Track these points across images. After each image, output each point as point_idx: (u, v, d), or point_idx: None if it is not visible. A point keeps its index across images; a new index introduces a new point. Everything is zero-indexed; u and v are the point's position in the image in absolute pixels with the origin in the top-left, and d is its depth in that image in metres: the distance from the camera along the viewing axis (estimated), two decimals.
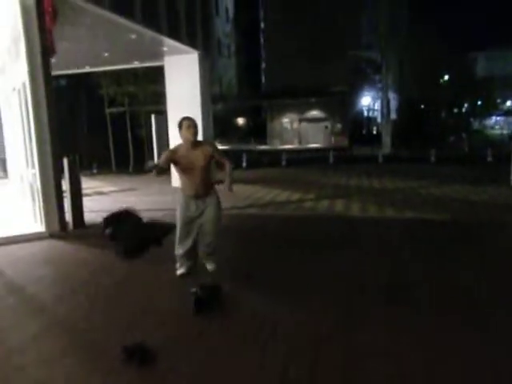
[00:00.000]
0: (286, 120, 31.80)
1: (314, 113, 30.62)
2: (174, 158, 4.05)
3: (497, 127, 30.10)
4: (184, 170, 4.10)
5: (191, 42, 10.52)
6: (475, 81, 30.25)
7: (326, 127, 27.72)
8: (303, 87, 27.56)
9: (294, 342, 2.96)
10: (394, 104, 24.01)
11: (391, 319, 3.24)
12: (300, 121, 30.83)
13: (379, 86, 23.13)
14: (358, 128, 24.44)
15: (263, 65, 37.43)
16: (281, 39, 31.33)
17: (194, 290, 3.60)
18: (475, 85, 28.23)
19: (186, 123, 4.03)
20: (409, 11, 31.17)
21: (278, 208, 8.20)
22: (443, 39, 25.84)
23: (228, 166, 4.22)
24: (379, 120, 22.04)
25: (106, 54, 10.86)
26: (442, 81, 30.00)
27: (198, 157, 4.06)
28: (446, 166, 13.61)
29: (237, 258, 5.18)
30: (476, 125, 29.28)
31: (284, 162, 16.13)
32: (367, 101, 29.95)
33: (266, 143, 30.62)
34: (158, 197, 9.83)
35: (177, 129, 4.14)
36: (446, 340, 2.90)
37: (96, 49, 10.29)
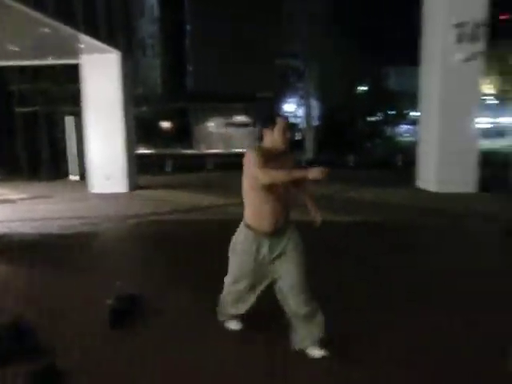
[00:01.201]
0: (212, 124, 31.76)
1: (241, 118, 30.91)
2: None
3: (406, 135, 32.63)
4: (266, 190, 2.79)
5: (111, 41, 10.11)
6: (388, 92, 32.34)
7: (252, 132, 28.06)
8: (230, 92, 27.72)
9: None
10: (316, 111, 24.97)
11: None
12: (226, 125, 30.94)
13: (302, 93, 23.92)
14: None
15: (190, 67, 37.11)
16: (207, 43, 31.33)
17: (109, 301, 3.46)
18: (387, 96, 30.16)
19: (282, 123, 2.83)
20: (330, 23, 32.59)
21: (200, 213, 8.17)
22: (362, 52, 27.39)
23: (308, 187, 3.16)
24: (303, 126, 22.80)
25: (14, 47, 10.07)
26: (360, 90, 31.74)
27: (285, 169, 2.79)
28: (363, 171, 14.38)
29: (156, 265, 5.09)
30: (389, 132, 31.38)
31: (210, 167, 16.07)
32: (292, 107, 30.85)
33: (192, 147, 30.33)
34: (70, 204, 9.33)
35: (258, 126, 3.23)
36: None
37: (1, 41, 9.49)
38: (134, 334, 3.29)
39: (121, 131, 10.75)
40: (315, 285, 2.92)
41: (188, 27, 37.12)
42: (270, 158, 2.75)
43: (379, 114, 32.79)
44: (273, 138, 2.84)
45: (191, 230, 6.84)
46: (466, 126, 9.88)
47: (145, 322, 3.47)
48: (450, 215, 7.61)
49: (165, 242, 6.13)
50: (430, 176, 10.22)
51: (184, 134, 31.43)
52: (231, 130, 30.18)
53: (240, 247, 2.96)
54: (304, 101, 22.52)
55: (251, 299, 3.08)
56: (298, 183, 2.98)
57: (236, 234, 3.05)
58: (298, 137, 23.29)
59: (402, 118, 33.49)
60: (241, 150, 22.52)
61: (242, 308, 3.14)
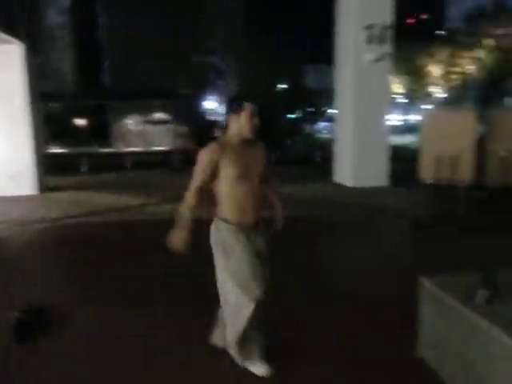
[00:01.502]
0: (131, 121, 30.67)
1: (160, 115, 30.16)
2: (219, 161, 2.50)
3: (324, 132, 33.86)
4: (236, 181, 2.53)
5: (11, 30, 9.29)
6: (306, 90, 33.36)
7: (172, 130, 27.54)
8: (148, 88, 26.93)
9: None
10: None
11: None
12: (145, 123, 30.05)
13: (223, 90, 23.88)
14: (204, 131, 24.84)
15: (105, 62, 35.51)
16: (125, 37, 30.16)
17: (15, 314, 3.24)
18: (306, 94, 31.11)
19: (250, 108, 2.53)
20: (249, 21, 32.87)
21: (116, 214, 7.80)
22: (281, 50, 27.99)
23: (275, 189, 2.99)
24: (223, 124, 22.83)
25: None
26: (279, 88, 32.39)
27: (257, 159, 2.65)
28: (283, 167, 14.63)
29: (65, 273, 4.76)
30: (308, 129, 32.39)
31: (128, 166, 15.48)
32: (212, 105, 30.73)
33: (109, 145, 29.06)
34: None
35: (223, 110, 2.76)
36: None
37: None
38: (40, 348, 3.03)
39: (26, 129, 9.95)
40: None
41: (102, 19, 35.47)
42: (235, 150, 2.52)
43: (298, 111, 33.74)
44: (239, 125, 2.54)
45: (106, 233, 6.49)
46: (377, 123, 10.40)
47: (53, 335, 3.21)
48: (363, 209, 7.97)
49: (76, 247, 5.75)
50: (346, 171, 10.64)
51: (101, 131, 30.04)
52: (150, 128, 29.39)
53: (231, 244, 2.54)
54: (224, 98, 22.46)
55: (264, 310, 2.59)
56: (264, 179, 2.72)
57: (215, 237, 2.63)
58: (218, 134, 23.21)
59: (320, 115, 34.74)
60: (160, 148, 22.00)
61: (262, 328, 2.68)
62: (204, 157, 2.51)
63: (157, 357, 2.95)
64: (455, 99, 31.85)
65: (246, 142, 2.59)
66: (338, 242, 5.88)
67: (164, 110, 29.77)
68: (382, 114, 10.48)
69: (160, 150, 19.45)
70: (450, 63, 31.62)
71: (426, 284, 2.85)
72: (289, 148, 20.29)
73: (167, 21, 28.93)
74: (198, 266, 4.72)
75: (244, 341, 2.62)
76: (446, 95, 32.94)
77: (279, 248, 5.41)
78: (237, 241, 2.54)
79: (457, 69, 31.47)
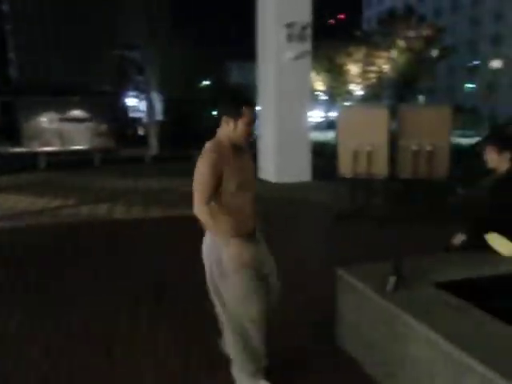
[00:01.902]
0: (45, 119, 28.77)
1: (77, 112, 28.57)
2: (222, 173, 2.25)
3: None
4: (238, 192, 2.30)
5: None
6: (231, 87, 33.39)
7: (91, 128, 26.26)
8: (64, 84, 25.46)
9: None
10: (160, 105, 24.47)
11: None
12: (61, 120, 28.34)
13: (144, 86, 23.20)
14: (125, 128, 23.98)
15: (12, 55, 32.99)
16: (35, 30, 28.19)
17: None
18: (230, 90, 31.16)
19: (250, 114, 2.27)
20: (171, 16, 32.21)
21: (31, 218, 7.27)
22: (204, 46, 27.75)
23: None
24: (146, 121, 22.09)
25: None
26: (203, 85, 32.12)
27: (250, 166, 2.48)
28: None
29: None
30: None
31: (43, 166, 14.55)
32: (133, 101, 29.73)
33: (21, 145, 27.03)
34: None
35: (219, 112, 2.32)
36: None
37: None
38: None
39: None
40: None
41: (6, 8, 32.86)
42: (229, 159, 2.25)
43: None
44: (235, 131, 2.26)
45: (23, 239, 6.02)
46: (299, 120, 10.65)
47: None
48: (286, 203, 8.15)
49: None
50: (269, 167, 10.78)
51: (10, 130, 27.86)
52: (67, 126, 27.79)
53: (233, 262, 2.27)
54: (145, 94, 21.84)
55: (264, 328, 2.41)
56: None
57: (211, 252, 2.36)
58: (141, 132, 22.55)
59: None
60: (79, 147, 20.88)
61: (262, 344, 2.44)
62: (208, 168, 2.20)
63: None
64: (372, 97, 33.59)
65: (238, 148, 2.35)
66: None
67: (82, 107, 28.26)
68: (303, 110, 10.75)
69: (78, 149, 18.45)
70: (366, 62, 33.26)
71: (342, 274, 2.95)
72: None
73: (85, 12, 27.54)
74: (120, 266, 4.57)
75: (242, 359, 2.43)
76: (363, 93, 34.62)
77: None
78: (234, 261, 2.27)
79: (373, 68, 33.21)
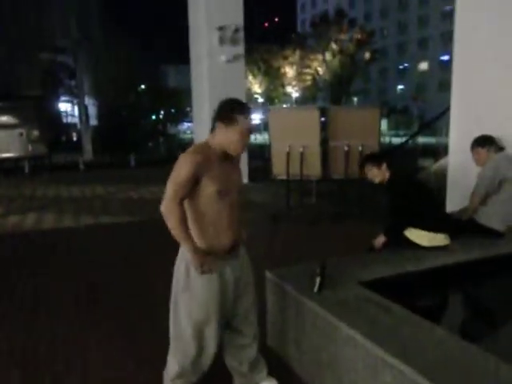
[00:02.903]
0: None
1: (5, 118, 26.94)
2: (201, 176, 2.08)
3: (188, 132, 33.76)
4: (216, 200, 2.13)
5: None
6: (168, 91, 32.93)
7: (21, 134, 24.82)
8: None
9: None
10: (94, 110, 23.58)
11: None
12: None
13: (76, 91, 22.25)
14: (57, 134, 22.90)
15: None
16: None
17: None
18: (168, 94, 30.68)
19: (246, 124, 2.11)
20: (105, 18, 31.19)
21: None
22: (140, 49, 27.12)
23: None
24: (80, 126, 21.19)
25: None
26: (139, 89, 31.36)
27: (236, 176, 2.28)
28: (145, 170, 14.22)
29: None
30: (172, 130, 31.98)
31: None
32: (66, 106, 28.49)
33: None
34: None
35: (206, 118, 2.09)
36: None
37: None
38: None
39: None
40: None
41: None
42: (213, 164, 2.10)
43: (161, 112, 33.13)
44: (228, 139, 2.10)
45: None
46: None
47: None
48: None
49: None
50: None
51: None
52: None
53: (196, 282, 2.14)
54: (78, 99, 20.98)
55: (214, 348, 2.27)
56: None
57: (178, 268, 2.20)
58: (74, 137, 21.64)
59: (184, 115, 34.47)
60: (7, 155, 19.72)
61: (206, 363, 2.30)
62: (187, 166, 2.04)
63: None
64: (308, 98, 34.40)
65: (227, 156, 2.17)
66: None
67: (10, 113, 26.66)
68: None
69: (6, 157, 17.39)
70: (301, 65, 33.98)
71: (270, 276, 2.95)
72: (151, 150, 19.78)
73: (11, 12, 26.00)
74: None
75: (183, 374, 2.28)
76: (299, 95, 35.36)
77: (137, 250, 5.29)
78: (199, 276, 2.13)
79: (308, 70, 33.99)
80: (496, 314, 3.28)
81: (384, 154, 3.95)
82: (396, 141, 17.93)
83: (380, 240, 3.56)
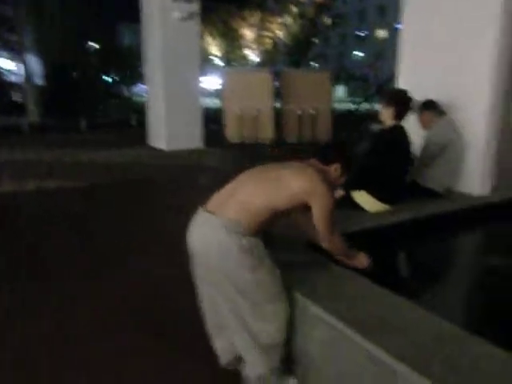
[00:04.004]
0: None
1: None
2: None
3: (144, 94, 32.60)
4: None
5: None
6: (123, 51, 31.45)
7: None
8: None
9: None
10: (39, 69, 22.11)
11: None
12: None
13: (18, 47, 20.70)
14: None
15: None
16: None
17: None
18: (123, 54, 29.30)
19: (345, 168, 2.38)
20: None
21: None
22: (92, 5, 25.50)
23: None
24: (23, 85, 19.74)
25: None
26: (91, 48, 29.73)
27: None
28: (95, 133, 13.62)
29: None
30: (126, 92, 30.67)
31: None
32: (9, 64, 26.57)
33: None
34: None
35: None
36: None
37: None
38: None
39: None
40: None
41: None
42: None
43: (115, 73, 31.67)
44: (338, 180, 2.36)
45: None
46: (189, 85, 10.23)
47: None
48: (177, 169, 7.94)
49: None
50: (159, 135, 10.35)
51: None
52: None
53: (266, 257, 2.03)
54: (20, 56, 19.59)
55: None
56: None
57: (230, 253, 1.95)
58: (18, 98, 20.35)
59: (139, 77, 33.09)
60: None
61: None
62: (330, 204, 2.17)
63: None
64: (267, 62, 33.79)
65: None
66: (150, 202, 5.78)
67: None
68: (193, 75, 10.35)
69: None
70: (261, 27, 33.17)
71: None
72: (104, 112, 18.91)
73: None
74: None
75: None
76: (258, 58, 34.70)
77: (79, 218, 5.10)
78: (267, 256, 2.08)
79: (268, 33, 33.25)
80: (429, 271, 3.36)
81: (408, 100, 3.64)
82: (353, 107, 18.02)
83: (339, 193, 3.51)
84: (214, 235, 1.96)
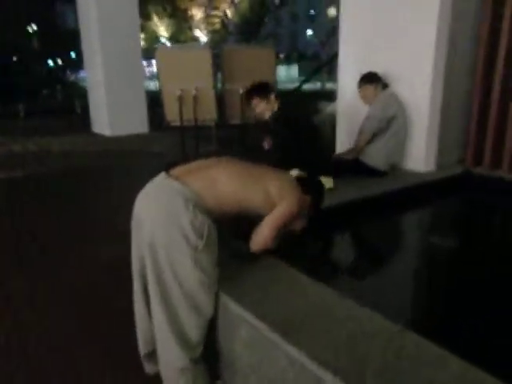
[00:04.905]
0: None
1: None
2: None
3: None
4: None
5: None
6: (64, 33, 29.87)
7: None
8: None
9: None
10: None
11: None
12: None
13: None
14: None
15: None
16: None
17: None
18: (64, 37, 27.85)
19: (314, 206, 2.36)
20: None
21: None
22: None
23: None
24: None
25: None
26: (30, 31, 28.13)
27: None
28: (35, 120, 12.94)
29: None
30: (71, 77, 29.28)
31: None
32: None
33: None
34: None
35: None
36: None
37: None
38: None
39: None
40: None
41: None
42: None
43: (59, 57, 30.19)
44: (304, 206, 2.16)
45: None
46: (131, 68, 9.77)
47: None
48: (120, 156, 7.64)
49: None
50: (102, 120, 9.92)
51: None
52: None
53: (212, 247, 1.83)
54: None
55: None
56: None
57: (172, 232, 1.71)
58: None
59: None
60: None
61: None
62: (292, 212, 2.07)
63: None
64: (217, 42, 33.18)
65: None
66: (91, 189, 5.61)
67: None
68: (135, 57, 9.90)
69: None
70: (210, 7, 32.42)
71: None
72: (46, 98, 17.98)
73: None
74: None
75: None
76: (207, 39, 33.99)
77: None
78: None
79: (216, 12, 32.56)
80: (368, 254, 3.34)
81: (268, 84, 3.72)
82: (306, 87, 17.99)
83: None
84: (168, 200, 1.74)
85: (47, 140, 9.40)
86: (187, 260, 1.71)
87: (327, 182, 3.46)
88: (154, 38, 31.37)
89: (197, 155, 6.89)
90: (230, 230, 2.19)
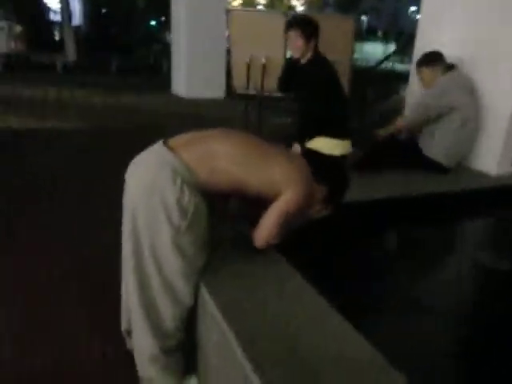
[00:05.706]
0: None
1: None
2: None
3: None
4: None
5: None
6: None
7: (2, 28, 23.35)
8: None
9: None
10: (80, 7, 21.92)
11: None
12: None
13: None
14: (40, 31, 21.37)
15: None
16: None
17: None
18: None
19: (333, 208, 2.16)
20: None
21: None
22: None
23: None
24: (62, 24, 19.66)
25: None
26: None
27: None
28: (127, 76, 13.54)
29: None
30: (169, 38, 30.04)
31: None
32: (54, 1, 26.63)
33: None
34: None
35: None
36: None
37: None
38: None
39: None
40: None
41: None
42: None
43: (164, 17, 31.09)
44: (315, 199, 1.95)
45: None
46: (215, 31, 9.79)
47: None
48: (191, 119, 7.75)
49: None
50: (181, 81, 10.12)
51: None
52: None
53: (197, 229, 1.74)
54: None
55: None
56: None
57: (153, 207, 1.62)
58: (57, 37, 20.42)
59: None
60: None
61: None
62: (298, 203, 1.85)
63: None
64: (316, 9, 32.15)
65: None
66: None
67: None
68: (219, 21, 9.85)
69: None
70: None
71: None
72: (141, 57, 18.70)
73: None
74: None
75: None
76: (304, 8, 33.07)
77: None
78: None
79: None
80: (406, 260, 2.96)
81: (312, 21, 3.45)
82: (399, 67, 16.93)
83: (297, 149, 3.26)
84: (156, 170, 1.63)
85: (127, 97, 9.80)
86: (167, 239, 1.61)
87: (342, 145, 3.19)
88: (250, 5, 31.11)
89: (259, 125, 6.78)
90: (226, 210, 2.05)
